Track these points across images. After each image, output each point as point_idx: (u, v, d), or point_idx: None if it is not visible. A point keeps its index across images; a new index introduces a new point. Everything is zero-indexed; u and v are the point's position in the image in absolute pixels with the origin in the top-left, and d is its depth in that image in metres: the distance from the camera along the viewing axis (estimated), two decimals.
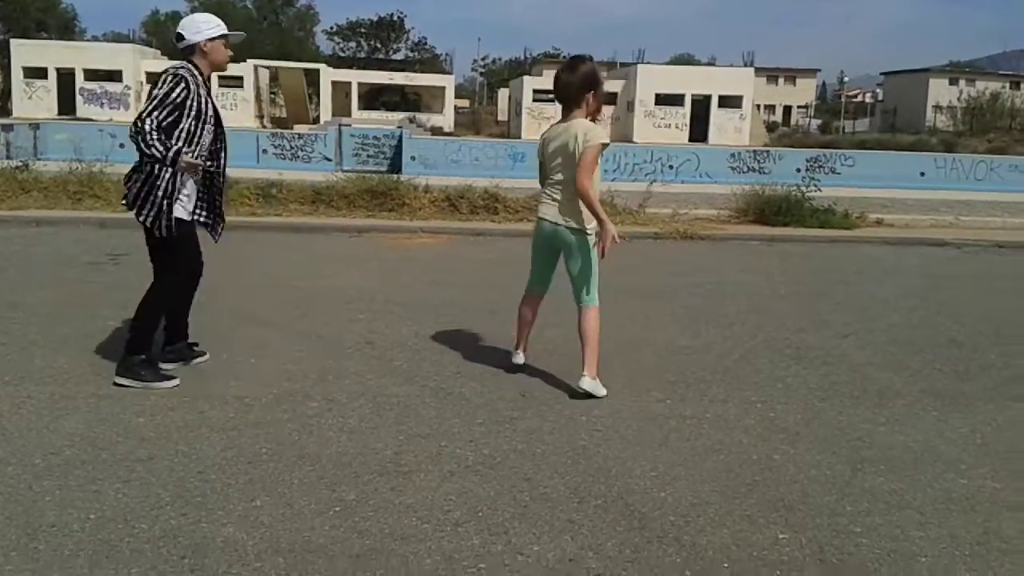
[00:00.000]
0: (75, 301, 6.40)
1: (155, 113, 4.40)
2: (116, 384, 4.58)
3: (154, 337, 4.79)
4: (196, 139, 4.58)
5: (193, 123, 4.53)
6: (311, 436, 4.04)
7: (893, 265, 9.85)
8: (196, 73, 4.58)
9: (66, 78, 46.18)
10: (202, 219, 4.85)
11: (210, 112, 4.66)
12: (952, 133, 54.72)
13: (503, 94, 53.06)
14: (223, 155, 4.86)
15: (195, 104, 4.53)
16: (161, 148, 4.39)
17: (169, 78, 4.46)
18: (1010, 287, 8.75)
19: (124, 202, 4.71)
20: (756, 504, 3.49)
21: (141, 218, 4.59)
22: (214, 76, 5.03)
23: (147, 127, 4.38)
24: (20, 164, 13.30)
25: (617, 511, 3.39)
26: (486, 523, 3.26)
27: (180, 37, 4.67)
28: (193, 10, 66.90)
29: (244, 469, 3.65)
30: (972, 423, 4.54)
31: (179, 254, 4.70)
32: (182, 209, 4.63)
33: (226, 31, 4.70)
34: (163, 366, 4.85)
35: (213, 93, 4.83)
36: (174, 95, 4.45)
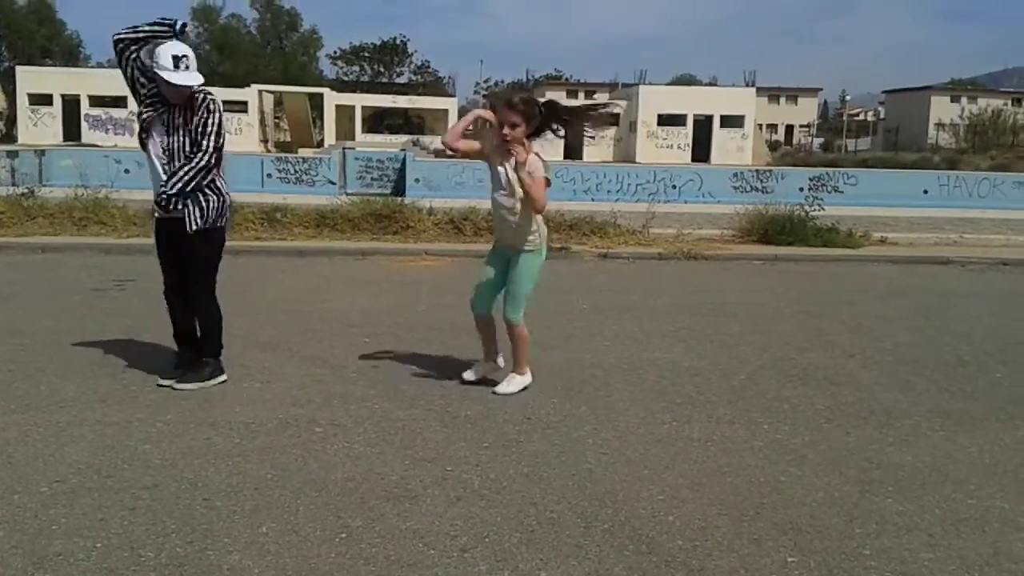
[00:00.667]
0: (81, 328, 6.41)
1: None
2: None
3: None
4: None
5: None
6: (317, 461, 4.04)
7: (897, 284, 9.84)
8: None
9: (71, 104, 46.47)
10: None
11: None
12: (955, 151, 54.77)
13: None
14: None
15: None
16: None
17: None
18: (1015, 305, 8.74)
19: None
20: (764, 527, 3.47)
21: None
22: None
23: None
24: (26, 190, 13.36)
25: (624, 535, 3.37)
26: (493, 549, 3.24)
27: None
28: (197, 35, 67.51)
29: (250, 496, 3.65)
30: (980, 443, 4.52)
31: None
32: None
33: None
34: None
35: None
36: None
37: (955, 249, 12.80)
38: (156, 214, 4.98)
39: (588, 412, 4.83)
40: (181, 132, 4.83)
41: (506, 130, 4.80)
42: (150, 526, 3.34)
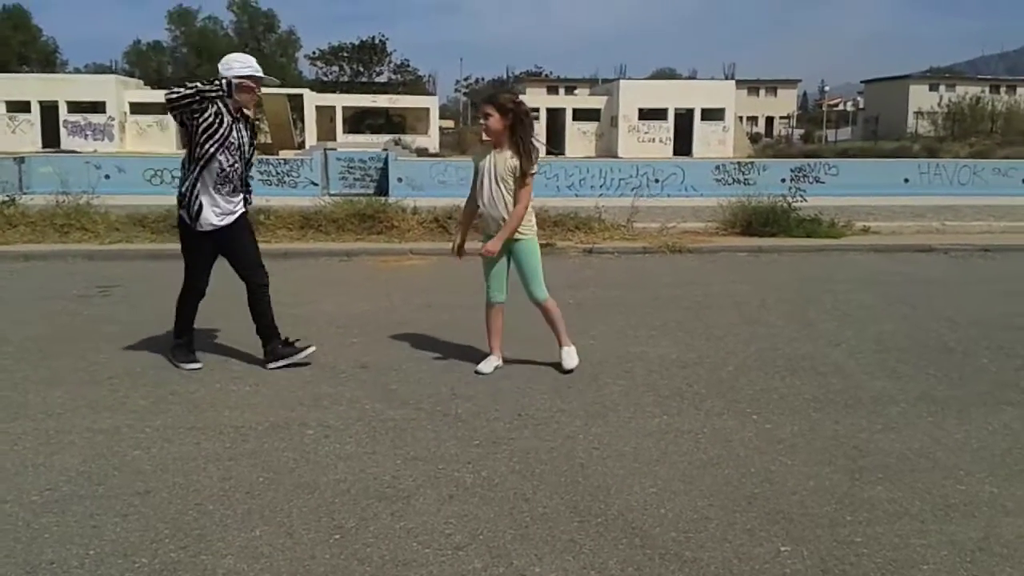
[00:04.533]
0: (66, 335, 6.38)
1: None
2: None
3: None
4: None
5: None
6: (308, 463, 4.03)
7: (881, 272, 9.90)
8: (224, 106, 5.22)
9: (49, 111, 46.16)
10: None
11: (232, 139, 5.30)
12: (934, 139, 55.08)
13: None
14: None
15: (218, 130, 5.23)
16: None
17: None
18: (998, 290, 8.79)
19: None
20: (756, 517, 3.50)
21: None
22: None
23: None
24: (6, 198, 13.21)
25: (618, 529, 3.39)
26: (487, 546, 3.25)
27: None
28: (174, 39, 67.25)
29: (242, 499, 3.64)
30: (967, 428, 4.56)
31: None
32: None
33: (254, 72, 5.27)
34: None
35: None
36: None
37: (937, 236, 12.87)
38: (217, 223, 5.41)
39: (578, 407, 4.85)
40: (246, 138, 5.44)
41: (482, 122, 5.20)
42: (143, 532, 3.33)
